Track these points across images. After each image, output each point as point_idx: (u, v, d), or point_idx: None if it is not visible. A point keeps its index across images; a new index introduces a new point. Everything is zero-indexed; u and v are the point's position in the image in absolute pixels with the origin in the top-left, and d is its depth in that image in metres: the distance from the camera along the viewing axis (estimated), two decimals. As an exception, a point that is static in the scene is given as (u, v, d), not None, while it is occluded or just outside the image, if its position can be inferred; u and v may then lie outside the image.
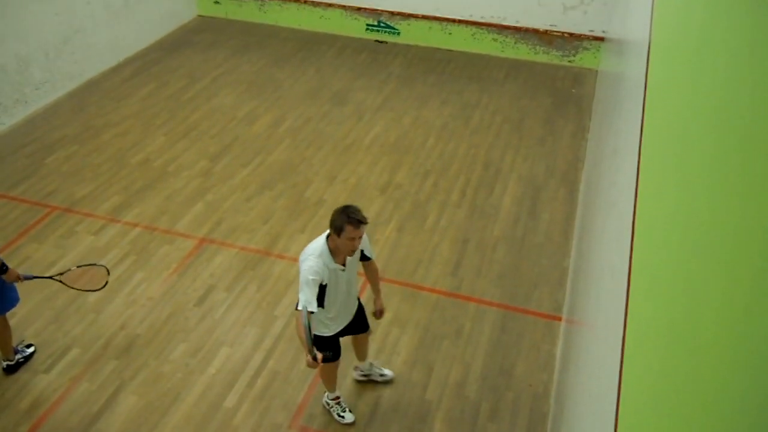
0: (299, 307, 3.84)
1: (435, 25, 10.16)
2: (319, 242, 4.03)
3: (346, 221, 3.87)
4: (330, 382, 4.57)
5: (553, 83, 9.32)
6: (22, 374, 4.84)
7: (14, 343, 4.91)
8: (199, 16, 11.21)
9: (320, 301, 4.01)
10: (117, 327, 5.25)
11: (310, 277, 3.87)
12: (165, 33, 10.46)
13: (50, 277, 4.82)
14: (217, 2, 11.07)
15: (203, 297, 5.56)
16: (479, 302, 5.59)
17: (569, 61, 9.76)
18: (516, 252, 6.17)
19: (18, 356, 4.88)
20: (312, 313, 3.84)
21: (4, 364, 4.85)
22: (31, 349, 4.98)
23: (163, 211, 6.57)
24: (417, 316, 5.44)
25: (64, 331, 5.20)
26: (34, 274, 4.87)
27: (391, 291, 5.66)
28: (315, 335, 4.00)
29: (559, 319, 5.44)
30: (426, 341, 5.21)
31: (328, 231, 4.03)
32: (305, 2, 10.62)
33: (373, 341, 5.16)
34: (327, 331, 4.25)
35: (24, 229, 6.26)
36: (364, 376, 4.88)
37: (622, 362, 2.01)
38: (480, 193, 6.97)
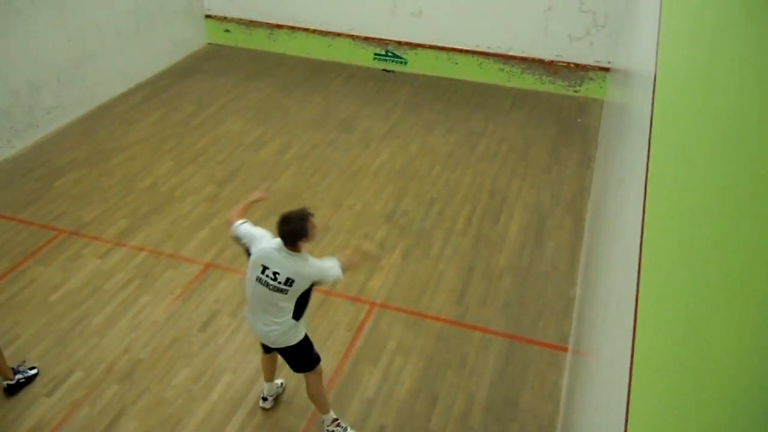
0: (341, 276, 4.22)
1: (442, 54, 10.26)
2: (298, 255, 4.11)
3: (307, 218, 4.07)
4: (323, 399, 4.51)
5: (559, 113, 9.37)
6: (23, 397, 4.81)
7: (14, 364, 4.90)
8: (210, 44, 11.36)
9: (306, 302, 4.20)
10: (120, 351, 5.23)
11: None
12: (176, 60, 10.60)
13: None
14: (227, 31, 11.22)
15: (207, 322, 5.54)
16: (484, 331, 5.56)
17: (575, 91, 9.83)
18: (521, 281, 6.14)
19: (19, 376, 4.86)
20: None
21: (5, 383, 4.83)
22: (34, 371, 4.96)
23: (169, 236, 6.58)
24: (421, 344, 5.40)
25: (67, 354, 5.18)
26: None
27: (396, 318, 5.63)
28: (306, 337, 4.27)
29: (565, 349, 5.40)
30: (430, 370, 5.17)
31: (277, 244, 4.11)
32: (314, 31, 10.76)
33: (376, 369, 5.13)
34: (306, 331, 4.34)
35: (30, 252, 6.28)
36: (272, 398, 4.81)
37: (629, 395, 1.99)
38: (486, 221, 6.97)
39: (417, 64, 10.47)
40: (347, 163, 7.98)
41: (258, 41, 11.14)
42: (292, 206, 7.03)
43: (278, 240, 4.13)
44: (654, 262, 2.16)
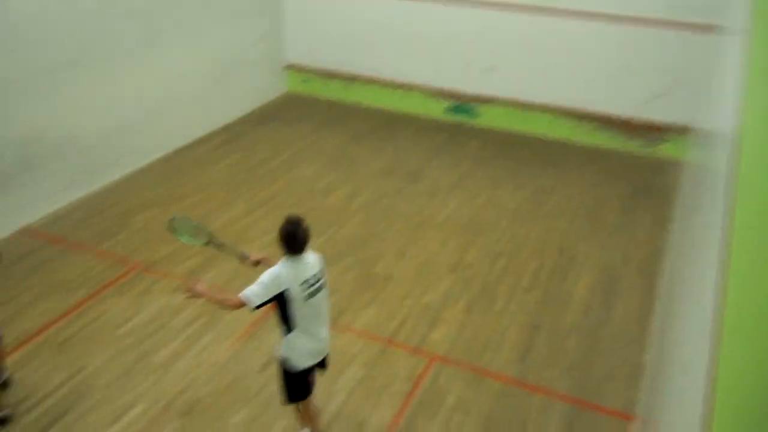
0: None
1: (513, 109, 10.26)
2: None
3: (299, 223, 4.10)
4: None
5: (633, 172, 9.15)
6: (86, 426, 4.91)
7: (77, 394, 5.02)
8: (288, 92, 11.77)
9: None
10: (181, 388, 5.31)
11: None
12: (255, 107, 11.01)
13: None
14: (305, 81, 11.60)
15: (267, 364, 5.57)
16: (546, 393, 5.36)
17: (651, 151, 9.60)
18: (588, 343, 5.92)
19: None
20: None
21: None
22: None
23: (236, 276, 6.70)
24: (480, 402, 5.25)
25: (130, 386, 5.29)
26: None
27: (456, 374, 5.51)
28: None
29: (632, 418, 5.13)
30: (489, 431, 5.00)
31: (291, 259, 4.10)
32: (388, 83, 10.98)
33: (433, 426, 5.00)
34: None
35: (106, 283, 6.52)
36: None
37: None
38: (552, 278, 6.81)
39: (488, 118, 10.51)
40: (413, 213, 8.00)
41: (334, 91, 11.46)
42: (356, 253, 7.11)
43: (289, 258, 4.12)
44: (736, 331, 2.04)
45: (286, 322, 4.21)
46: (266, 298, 4.03)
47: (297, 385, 4.44)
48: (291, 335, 4.24)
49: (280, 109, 11.13)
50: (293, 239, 4.07)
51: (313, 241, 7.34)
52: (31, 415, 4.98)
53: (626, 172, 9.17)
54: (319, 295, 4.22)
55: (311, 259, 4.23)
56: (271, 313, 6.14)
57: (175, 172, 8.84)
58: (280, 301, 4.10)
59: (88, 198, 8.09)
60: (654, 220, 7.91)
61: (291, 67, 11.61)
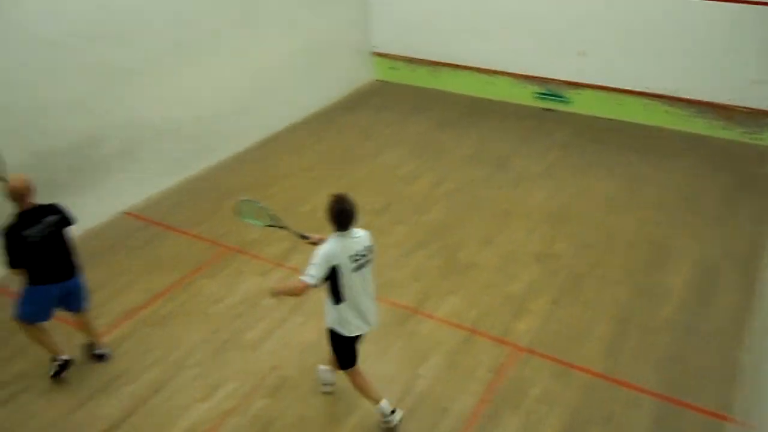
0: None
1: (605, 94, 9.92)
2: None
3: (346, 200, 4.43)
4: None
5: (735, 161, 8.66)
6: (179, 400, 5.19)
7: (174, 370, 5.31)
8: (377, 80, 11.85)
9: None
10: (270, 366, 5.50)
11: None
12: (344, 94, 11.17)
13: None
14: (393, 68, 11.64)
15: (351, 347, 5.67)
16: (634, 389, 5.19)
17: (754, 138, 9.05)
18: (681, 338, 5.69)
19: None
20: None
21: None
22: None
23: (322, 260, 6.85)
24: (566, 396, 5.15)
25: (221, 363, 5.53)
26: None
27: (541, 365, 5.43)
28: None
29: (726, 418, 4.90)
30: (574, 425, 4.90)
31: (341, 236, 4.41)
32: (475, 69, 10.85)
33: (516, 417, 4.96)
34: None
35: (199, 265, 6.82)
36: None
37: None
38: (645, 271, 6.57)
39: (579, 104, 10.20)
40: (499, 201, 7.90)
41: (421, 78, 11.44)
42: (440, 240, 7.10)
43: (338, 234, 4.43)
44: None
45: (336, 294, 4.48)
46: (322, 275, 4.34)
47: (347, 351, 4.71)
48: (340, 305, 4.51)
49: (367, 95, 11.23)
50: (341, 215, 4.39)
51: (398, 227, 7.43)
52: (129, 387, 5.30)
53: (727, 160, 8.69)
54: (366, 269, 4.50)
55: (360, 234, 4.53)
56: (356, 298, 6.25)
57: (266, 158, 9.11)
58: (332, 275, 4.38)
59: (184, 183, 8.47)
60: (756, 213, 7.47)
61: (378, 54, 11.68)
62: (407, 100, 10.92)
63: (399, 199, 7.99)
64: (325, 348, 5.64)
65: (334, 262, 4.34)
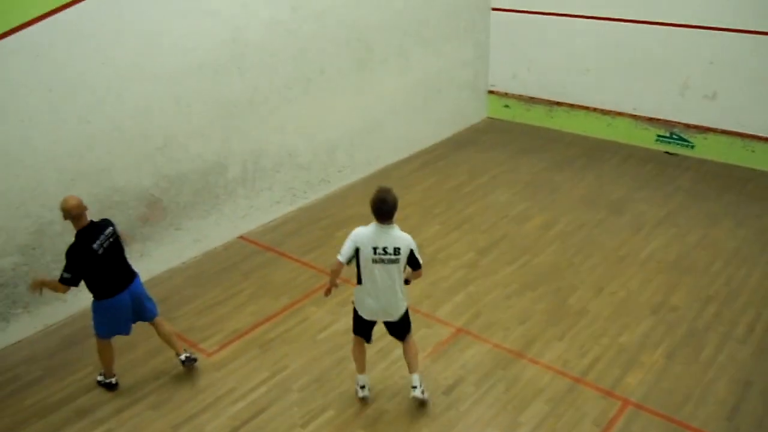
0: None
1: (735, 140, 9.36)
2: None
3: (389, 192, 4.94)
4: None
5: None
6: (282, 423, 5.30)
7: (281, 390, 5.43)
8: (489, 117, 11.84)
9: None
10: (370, 398, 5.51)
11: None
12: (455, 131, 11.23)
13: None
14: (506, 106, 11.59)
15: (452, 387, 5.60)
16: (760, 460, 4.77)
17: None
18: (815, 410, 5.18)
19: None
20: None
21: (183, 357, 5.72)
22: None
23: (427, 296, 6.85)
24: (679, 458, 4.81)
25: (324, 391, 5.61)
26: None
27: (651, 422, 5.11)
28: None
29: None
30: (687, 490, 4.57)
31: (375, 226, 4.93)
32: (594, 110, 10.60)
33: (623, 475, 4.67)
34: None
35: (308, 292, 7.00)
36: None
37: None
38: (773, 332, 6.07)
39: (705, 149, 9.69)
40: (614, 246, 7.59)
41: (536, 117, 11.31)
42: (549, 283, 6.91)
43: (375, 224, 4.93)
44: None
45: (358, 274, 4.96)
46: (349, 253, 4.84)
47: (357, 324, 5.25)
48: (358, 287, 5.02)
49: (480, 133, 11.22)
50: (379, 205, 4.84)
51: (505, 268, 7.30)
52: (234, 407, 5.48)
53: None
54: (391, 266, 4.85)
55: (396, 233, 4.89)
56: (459, 336, 6.19)
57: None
58: (357, 256, 4.87)
59: (298, 211, 8.77)
60: None
61: (493, 92, 11.67)
62: (520, 140, 10.81)
63: (508, 239, 7.87)
64: (425, 383, 5.61)
65: (358, 244, 4.83)
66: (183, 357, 5.79)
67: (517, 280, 7.07)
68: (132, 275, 5.51)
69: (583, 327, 6.25)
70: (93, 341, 6.36)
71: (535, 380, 5.62)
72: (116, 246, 5.38)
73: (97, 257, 5.16)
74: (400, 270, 4.92)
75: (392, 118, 9.93)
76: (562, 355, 5.90)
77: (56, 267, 6.46)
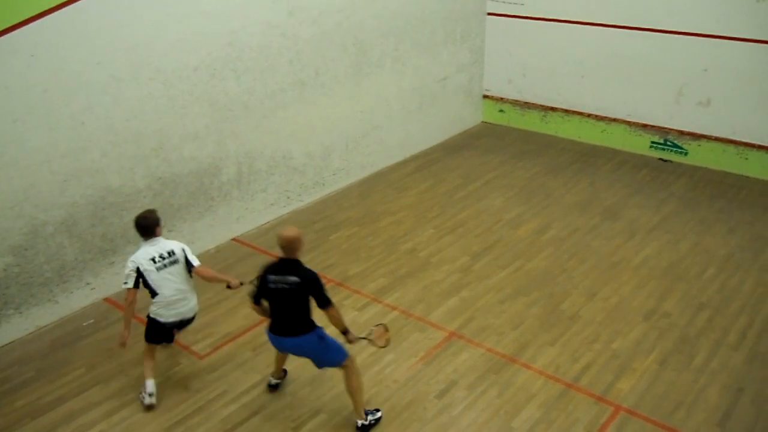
0: None
1: (729, 148, 9.41)
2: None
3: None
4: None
5: None
6: (273, 427, 5.29)
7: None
8: (483, 122, 11.87)
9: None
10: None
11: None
12: (450, 135, 11.26)
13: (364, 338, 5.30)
14: (501, 111, 11.63)
15: (444, 391, 5.60)
16: (750, 466, 4.79)
17: None
18: (805, 417, 5.20)
19: (369, 417, 5.24)
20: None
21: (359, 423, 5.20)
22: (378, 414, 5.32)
23: (420, 300, 6.86)
24: (670, 464, 4.83)
25: (316, 395, 5.61)
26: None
27: (643, 428, 5.13)
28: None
29: None
30: (677, 496, 4.58)
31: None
32: (588, 115, 10.64)
33: (614, 480, 4.68)
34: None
35: (301, 295, 6.99)
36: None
37: None
38: (765, 338, 6.09)
39: (699, 156, 9.74)
40: (608, 252, 7.62)
41: (530, 122, 11.34)
42: (542, 288, 6.93)
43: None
44: None
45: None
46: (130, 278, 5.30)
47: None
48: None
49: (474, 138, 11.25)
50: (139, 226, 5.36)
51: (498, 272, 7.31)
52: (228, 409, 5.47)
53: None
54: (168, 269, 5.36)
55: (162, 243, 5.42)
56: (452, 341, 6.19)
57: (370, 194, 9.28)
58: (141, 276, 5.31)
59: (293, 214, 8.77)
60: None
61: (488, 97, 11.70)
62: (515, 144, 10.84)
63: (502, 243, 7.88)
64: (417, 389, 5.62)
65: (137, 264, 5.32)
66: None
67: (511, 284, 7.08)
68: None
69: (575, 332, 6.27)
70: (84, 342, 6.38)
71: (528, 385, 5.63)
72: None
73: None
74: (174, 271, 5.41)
75: (387, 121, 9.95)
76: (555, 360, 5.91)
77: (49, 269, 6.47)
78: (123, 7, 6.44)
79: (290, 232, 4.98)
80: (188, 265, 5.48)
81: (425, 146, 10.80)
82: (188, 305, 5.53)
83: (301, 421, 5.33)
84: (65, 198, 6.44)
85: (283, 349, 5.26)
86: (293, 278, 4.91)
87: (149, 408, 5.48)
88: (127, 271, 5.30)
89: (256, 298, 5.05)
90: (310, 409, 5.44)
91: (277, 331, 5.05)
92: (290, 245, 4.94)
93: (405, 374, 5.81)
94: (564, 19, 10.38)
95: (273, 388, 5.68)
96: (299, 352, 5.16)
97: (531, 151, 10.56)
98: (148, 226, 5.37)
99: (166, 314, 5.43)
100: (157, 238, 5.40)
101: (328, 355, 5.09)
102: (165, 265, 5.35)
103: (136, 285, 5.29)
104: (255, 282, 5.08)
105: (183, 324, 5.61)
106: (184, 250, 5.49)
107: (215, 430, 5.27)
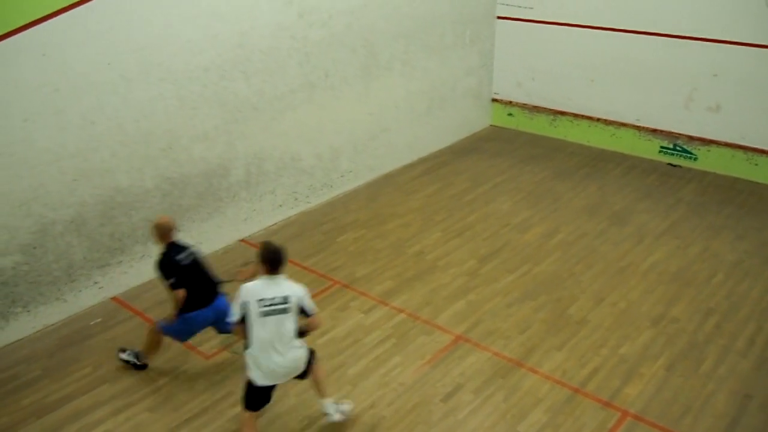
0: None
1: (739, 153, 9.37)
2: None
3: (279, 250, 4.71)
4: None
5: None
6: (279, 428, 5.29)
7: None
8: (492, 125, 11.85)
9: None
10: (367, 405, 5.51)
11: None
12: (458, 138, 11.25)
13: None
14: (510, 114, 11.61)
15: (450, 394, 5.59)
16: (758, 474, 4.75)
17: None
18: (815, 425, 5.16)
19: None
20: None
21: None
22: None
23: (427, 303, 6.85)
24: (677, 470, 4.80)
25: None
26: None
27: (650, 435, 5.11)
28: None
29: None
30: (684, 503, 4.55)
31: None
32: (597, 120, 10.61)
33: (620, 486, 4.66)
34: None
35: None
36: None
37: None
38: (774, 345, 6.06)
39: (708, 161, 9.69)
40: (616, 256, 7.59)
41: (539, 126, 11.32)
42: (550, 292, 6.91)
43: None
44: None
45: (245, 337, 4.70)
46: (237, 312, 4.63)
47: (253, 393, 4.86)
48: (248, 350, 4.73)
49: (482, 141, 11.24)
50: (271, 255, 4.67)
51: (506, 276, 7.29)
52: (234, 409, 5.47)
53: None
54: (274, 317, 4.59)
55: (281, 283, 4.69)
56: (458, 344, 6.18)
57: (378, 196, 9.28)
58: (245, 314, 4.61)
59: (301, 215, 8.78)
60: None
61: (497, 101, 11.69)
62: (523, 148, 10.82)
63: (509, 247, 7.87)
64: (423, 392, 5.61)
65: (243, 300, 4.60)
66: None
67: (518, 288, 7.06)
68: (215, 295, 5.68)
69: (583, 337, 6.24)
70: (92, 341, 6.39)
71: (535, 389, 5.61)
72: (200, 263, 5.64)
73: (180, 267, 5.42)
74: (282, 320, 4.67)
75: (396, 124, 9.95)
76: (562, 365, 5.89)
77: (57, 267, 6.50)
78: (133, 8, 6.48)
79: (162, 219, 5.51)
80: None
81: (433, 149, 10.79)
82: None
83: (307, 423, 5.33)
84: (74, 197, 6.47)
85: (212, 319, 5.56)
86: (191, 249, 5.54)
87: None
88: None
89: (177, 285, 5.32)
90: (316, 410, 5.43)
91: (205, 302, 5.50)
92: (167, 230, 5.46)
93: (411, 377, 5.80)
94: (574, 23, 10.36)
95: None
96: (221, 314, 5.47)
97: (539, 155, 10.54)
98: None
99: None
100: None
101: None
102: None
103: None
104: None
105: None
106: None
107: (221, 430, 5.28)
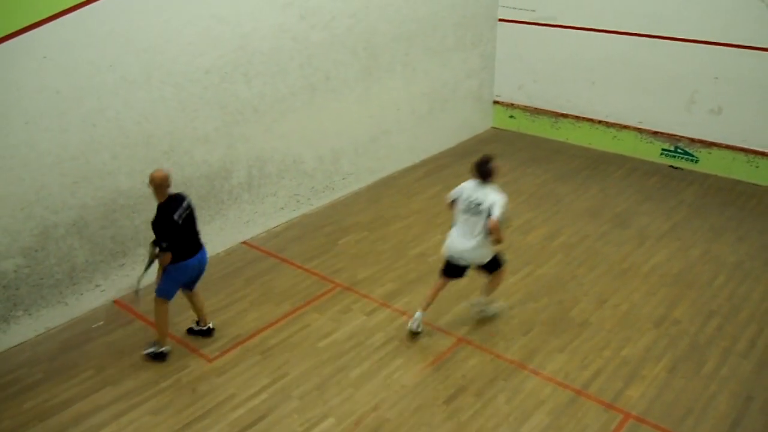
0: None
1: (740, 156, 9.36)
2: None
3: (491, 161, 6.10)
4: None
5: None
6: (281, 430, 5.28)
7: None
8: (493, 128, 11.86)
9: None
10: (370, 407, 5.50)
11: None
12: (459, 141, 11.25)
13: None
14: (512, 117, 11.61)
15: (452, 397, 5.58)
16: (761, 476, 4.74)
17: None
18: (818, 427, 5.15)
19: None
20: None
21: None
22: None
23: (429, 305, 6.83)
24: (680, 473, 4.79)
25: (324, 399, 5.60)
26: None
27: (653, 437, 5.10)
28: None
29: None
30: (687, 505, 4.54)
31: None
32: (599, 122, 10.61)
33: (623, 488, 4.64)
34: None
35: (310, 299, 7.00)
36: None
37: None
38: (776, 347, 6.05)
39: (709, 164, 9.69)
40: (618, 258, 7.58)
41: (541, 128, 11.32)
42: (552, 294, 6.90)
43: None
44: None
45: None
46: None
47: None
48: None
49: (484, 143, 11.23)
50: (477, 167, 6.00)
51: (508, 278, 7.29)
52: (236, 412, 5.47)
53: None
54: (471, 214, 5.88)
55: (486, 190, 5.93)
56: (460, 346, 6.18)
57: (380, 199, 9.28)
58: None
59: (302, 218, 8.78)
60: None
61: (498, 103, 11.69)
62: (525, 150, 10.82)
63: (511, 249, 7.85)
64: (425, 394, 5.60)
65: (455, 195, 6.08)
66: (206, 327, 6.34)
67: (520, 290, 7.06)
68: (200, 246, 5.97)
69: (585, 339, 6.24)
70: (94, 345, 6.38)
71: (537, 392, 5.60)
72: (192, 217, 5.83)
73: (176, 224, 5.56)
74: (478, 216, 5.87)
75: (397, 126, 9.96)
76: (564, 367, 5.88)
77: (59, 270, 6.50)
78: (135, 10, 6.48)
79: (160, 172, 5.58)
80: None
81: (435, 151, 10.80)
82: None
83: (309, 425, 5.32)
84: (76, 200, 6.47)
85: (197, 270, 5.95)
86: (187, 201, 5.77)
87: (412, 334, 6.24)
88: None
89: (167, 249, 5.57)
90: (318, 413, 5.44)
91: (194, 251, 5.83)
92: (165, 182, 5.56)
93: (413, 379, 5.79)
94: (575, 26, 10.37)
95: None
96: (203, 267, 5.99)
97: (541, 157, 10.54)
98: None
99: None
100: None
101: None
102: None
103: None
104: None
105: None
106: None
107: (223, 433, 5.28)
